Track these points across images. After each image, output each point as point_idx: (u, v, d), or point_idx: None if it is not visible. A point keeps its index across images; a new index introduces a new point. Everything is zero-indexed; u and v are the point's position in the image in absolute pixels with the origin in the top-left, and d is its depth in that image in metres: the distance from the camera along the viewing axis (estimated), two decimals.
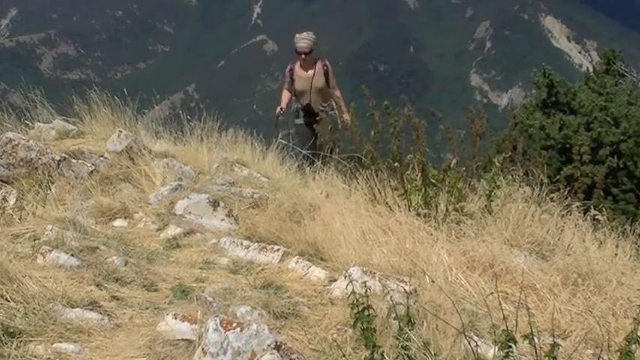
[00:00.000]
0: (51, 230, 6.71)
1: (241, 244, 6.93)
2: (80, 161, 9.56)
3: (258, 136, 11.75)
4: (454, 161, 7.57)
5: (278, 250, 6.70)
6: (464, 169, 7.62)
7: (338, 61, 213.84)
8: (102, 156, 9.83)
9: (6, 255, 5.54)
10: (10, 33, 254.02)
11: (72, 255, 6.05)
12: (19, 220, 7.47)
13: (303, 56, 13.44)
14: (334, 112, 13.31)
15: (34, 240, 6.52)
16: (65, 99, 11.32)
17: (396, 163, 7.55)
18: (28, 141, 9.61)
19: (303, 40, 13.58)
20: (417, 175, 7.52)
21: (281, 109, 13.77)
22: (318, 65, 13.66)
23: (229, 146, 11.01)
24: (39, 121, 10.95)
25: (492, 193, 7.48)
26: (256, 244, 6.89)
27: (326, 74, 13.62)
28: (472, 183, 7.89)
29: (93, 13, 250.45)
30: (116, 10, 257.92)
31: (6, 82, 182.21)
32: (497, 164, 7.56)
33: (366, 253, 6.40)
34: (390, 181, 7.73)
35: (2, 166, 9.32)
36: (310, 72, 13.57)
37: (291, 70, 13.85)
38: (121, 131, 9.97)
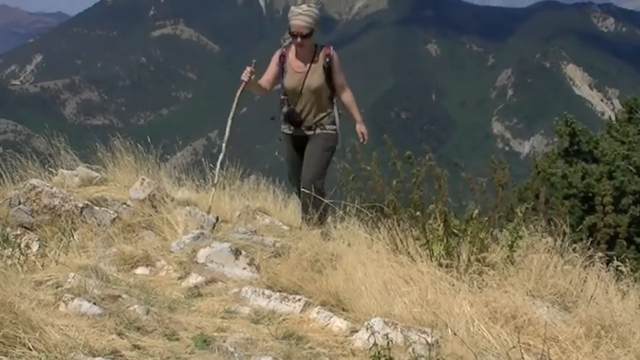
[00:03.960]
0: (73, 278, 6.72)
1: (263, 293, 6.91)
2: (103, 208, 9.60)
3: (280, 184, 11.72)
4: (476, 211, 7.56)
5: (300, 300, 6.68)
6: (486, 219, 7.60)
7: (360, 109, 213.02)
8: (124, 203, 9.86)
9: (28, 303, 5.55)
10: (34, 78, 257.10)
11: (94, 303, 6.05)
12: (42, 267, 7.47)
13: (299, 39, 9.59)
14: (335, 128, 9.88)
15: (57, 287, 6.53)
16: (88, 145, 11.39)
17: (418, 213, 7.55)
18: (51, 188, 9.66)
19: (301, 15, 9.63)
20: (439, 225, 7.50)
21: (255, 65, 9.84)
22: (319, 57, 9.78)
23: (251, 194, 11.04)
24: (62, 167, 11.01)
25: (515, 244, 7.45)
26: (278, 293, 6.87)
27: (328, 70, 9.75)
28: (494, 233, 7.86)
29: (117, 60, 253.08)
30: (140, 57, 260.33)
31: (30, 127, 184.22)
32: (520, 214, 7.54)
33: (387, 304, 6.38)
34: (411, 231, 7.71)
35: (26, 212, 9.37)
36: (306, 65, 9.76)
37: (283, 57, 9.95)
38: (143, 179, 10.01)
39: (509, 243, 7.46)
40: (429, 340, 5.17)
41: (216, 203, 10.04)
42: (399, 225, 7.73)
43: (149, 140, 10.95)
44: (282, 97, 9.99)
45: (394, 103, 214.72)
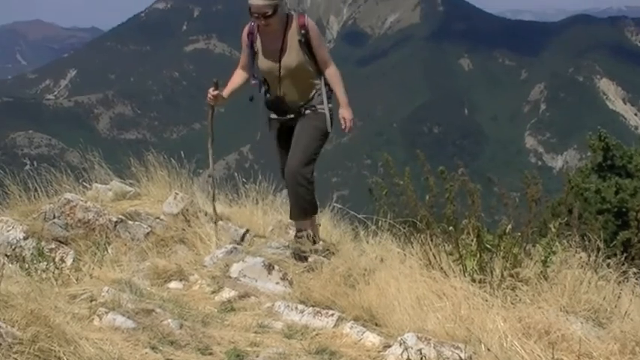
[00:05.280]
0: (107, 292, 6.76)
1: (296, 308, 6.92)
2: (137, 223, 9.66)
3: None
4: (509, 226, 7.53)
5: (332, 314, 6.69)
6: (519, 234, 7.57)
7: (392, 123, 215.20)
8: (158, 218, 9.91)
9: (63, 316, 5.59)
10: (68, 93, 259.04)
11: (128, 317, 6.09)
12: (76, 281, 7.53)
13: (263, 21, 8.24)
14: (324, 109, 8.64)
15: (91, 301, 6.57)
16: (122, 160, 11.46)
17: (451, 228, 7.53)
18: (85, 202, 9.75)
19: None
20: (472, 240, 7.48)
21: (216, 84, 8.83)
22: (292, 29, 8.41)
23: (284, 208, 11.05)
24: (96, 181, 11.08)
25: (548, 259, 7.42)
26: (311, 308, 6.89)
27: (307, 41, 8.40)
28: (527, 248, 7.83)
29: (150, 74, 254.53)
30: (173, 72, 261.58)
31: (64, 141, 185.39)
32: (554, 230, 7.51)
33: (420, 319, 6.37)
34: (444, 246, 7.69)
35: (60, 226, 9.44)
36: (278, 42, 8.39)
37: (251, 36, 8.62)
38: (177, 193, 10.07)
39: (543, 258, 7.43)
40: (462, 355, 5.17)
41: (249, 218, 10.08)
42: (431, 240, 7.71)
43: (182, 155, 10.99)
44: (253, 81, 8.79)
45: (426, 118, 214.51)
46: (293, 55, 8.39)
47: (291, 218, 9.05)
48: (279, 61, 8.39)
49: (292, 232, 9.38)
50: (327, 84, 8.67)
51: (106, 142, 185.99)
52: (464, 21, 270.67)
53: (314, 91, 8.63)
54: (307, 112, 8.63)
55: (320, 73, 8.63)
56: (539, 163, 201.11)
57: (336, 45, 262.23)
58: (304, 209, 8.77)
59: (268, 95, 8.75)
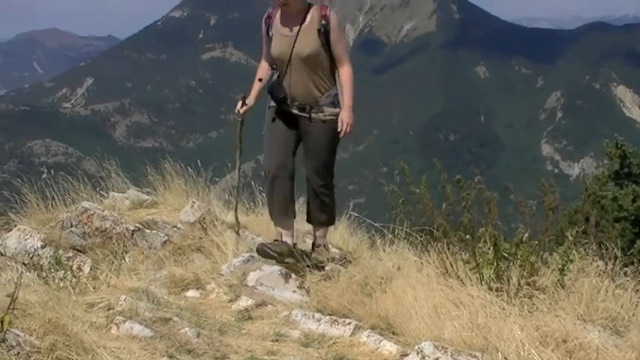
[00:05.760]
0: (125, 300, 6.78)
1: (313, 316, 6.92)
2: (154, 231, 9.69)
3: None
4: (526, 235, 7.52)
5: (350, 323, 6.68)
6: (536, 242, 7.56)
7: (408, 131, 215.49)
8: (175, 226, 9.94)
9: (81, 325, 5.61)
10: (85, 102, 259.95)
11: (145, 326, 6.11)
12: (94, 289, 7.56)
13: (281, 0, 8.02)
14: (337, 112, 8.20)
15: (108, 310, 6.60)
16: (138, 168, 11.49)
17: (468, 236, 7.52)
18: (103, 210, 9.79)
19: None
20: (489, 249, 7.47)
21: (244, 99, 8.51)
22: (312, 16, 8.10)
23: (300, 217, 11.05)
24: (113, 190, 11.12)
25: (565, 268, 7.40)
26: (328, 316, 6.88)
27: (325, 35, 8.05)
28: (544, 256, 7.82)
29: (166, 83, 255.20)
30: (189, 80, 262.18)
31: (81, 150, 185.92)
32: (571, 238, 7.49)
33: (437, 328, 6.36)
34: (461, 255, 7.68)
35: (78, 235, 9.48)
36: (295, 28, 8.07)
37: (269, 19, 8.35)
38: (194, 202, 10.10)
39: (560, 267, 7.42)
40: None
41: (266, 226, 10.07)
42: (448, 248, 7.70)
43: (199, 163, 11.00)
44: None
45: (443, 125, 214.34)
46: (308, 42, 8.02)
47: (312, 223, 8.84)
48: (293, 46, 8.02)
49: (309, 241, 9.36)
50: (337, 88, 8.29)
51: (123, 151, 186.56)
52: (480, 29, 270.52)
53: (323, 91, 8.20)
54: (314, 115, 8.20)
55: (332, 73, 8.26)
56: (556, 170, 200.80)
57: (353, 53, 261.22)
58: (330, 215, 8.72)
59: (274, 80, 8.35)
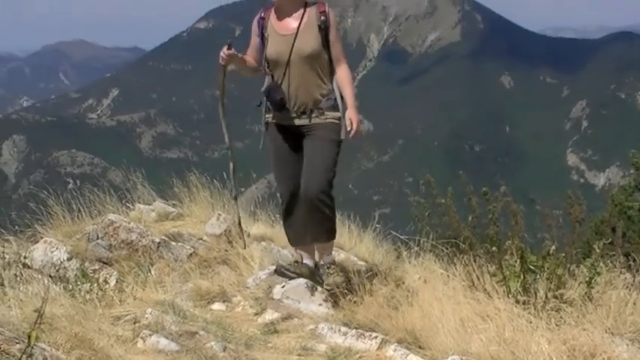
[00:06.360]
0: (150, 314, 6.79)
1: (339, 330, 6.90)
2: (179, 244, 9.70)
3: (354, 219, 11.57)
4: (553, 247, 7.48)
5: (376, 337, 6.66)
6: (563, 255, 7.52)
7: (433, 141, 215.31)
8: (201, 239, 9.96)
9: (107, 339, 5.62)
10: (111, 112, 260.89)
11: (171, 340, 6.12)
12: (120, 302, 7.56)
13: None
14: (339, 116, 7.85)
15: (134, 323, 6.60)
16: (164, 179, 11.53)
17: (495, 249, 7.48)
18: (129, 223, 9.82)
19: None
20: (516, 261, 7.43)
21: (230, 45, 7.90)
22: (310, 13, 7.81)
23: None
24: (139, 202, 11.15)
25: (593, 280, 7.35)
26: (354, 330, 6.86)
27: (325, 32, 7.76)
28: (572, 269, 7.77)
29: (191, 93, 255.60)
30: (214, 90, 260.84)
31: (106, 160, 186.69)
32: (598, 250, 7.45)
33: (464, 341, 6.34)
34: (488, 267, 7.65)
35: (104, 247, 9.51)
36: (293, 25, 7.79)
37: (262, 21, 8.03)
38: (219, 214, 10.11)
39: (587, 279, 7.37)
40: None
41: None
42: (475, 261, 7.68)
43: (225, 176, 10.99)
44: (266, 72, 8.08)
45: (468, 136, 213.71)
46: (308, 40, 7.71)
47: (314, 241, 8.24)
48: (292, 44, 7.67)
49: (335, 254, 9.06)
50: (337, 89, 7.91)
51: (148, 161, 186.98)
52: (504, 39, 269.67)
53: (324, 92, 7.85)
54: (315, 119, 7.83)
55: (331, 74, 7.89)
56: (582, 180, 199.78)
57: (377, 63, 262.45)
58: (331, 229, 8.15)
59: (270, 83, 7.98)
